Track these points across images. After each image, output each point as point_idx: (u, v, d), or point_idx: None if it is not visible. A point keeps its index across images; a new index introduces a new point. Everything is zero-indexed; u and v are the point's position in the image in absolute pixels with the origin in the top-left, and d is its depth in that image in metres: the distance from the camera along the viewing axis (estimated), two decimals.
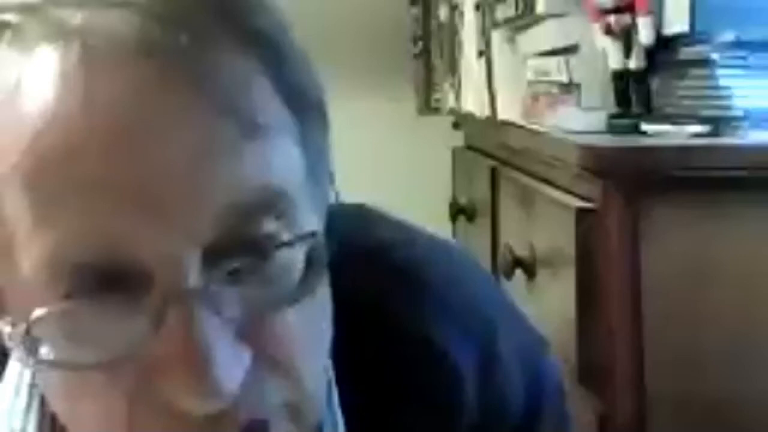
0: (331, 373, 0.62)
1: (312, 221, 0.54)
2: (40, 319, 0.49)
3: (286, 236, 0.51)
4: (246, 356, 0.50)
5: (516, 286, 1.26)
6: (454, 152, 2.03)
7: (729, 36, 1.05)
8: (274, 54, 0.53)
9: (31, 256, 0.49)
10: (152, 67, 0.48)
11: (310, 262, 0.52)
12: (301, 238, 0.52)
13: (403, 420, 0.66)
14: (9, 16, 0.50)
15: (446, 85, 2.03)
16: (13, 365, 0.61)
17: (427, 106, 2.17)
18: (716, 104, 1.06)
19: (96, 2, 0.49)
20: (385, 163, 2.19)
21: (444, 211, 1.88)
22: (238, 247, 0.50)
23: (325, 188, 0.57)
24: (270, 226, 0.50)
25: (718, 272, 0.99)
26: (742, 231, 0.99)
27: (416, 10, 2.17)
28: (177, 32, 0.49)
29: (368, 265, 0.65)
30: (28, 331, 0.49)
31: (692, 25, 1.06)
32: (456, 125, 2.10)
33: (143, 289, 0.49)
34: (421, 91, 2.18)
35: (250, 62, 0.51)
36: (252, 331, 0.50)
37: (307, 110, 0.54)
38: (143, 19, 0.49)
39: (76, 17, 0.49)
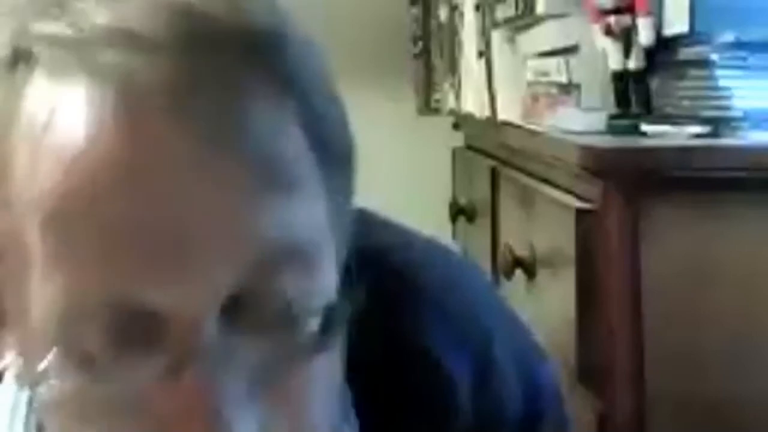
0: (350, 396, 0.62)
1: (331, 272, 0.52)
2: (50, 363, 0.48)
3: (306, 292, 0.50)
4: (259, 414, 0.49)
5: (516, 286, 1.26)
6: (454, 152, 2.03)
7: (729, 36, 1.05)
8: (309, 105, 0.52)
9: (44, 295, 0.48)
10: (183, 116, 0.47)
11: (328, 318, 0.51)
12: (323, 309, 0.51)
13: (396, 425, 0.66)
14: (41, 48, 0.50)
15: (446, 85, 2.03)
16: (8, 385, 0.61)
17: (427, 106, 2.17)
18: (716, 105, 1.06)
19: (127, 42, 0.48)
20: (385, 163, 2.19)
21: (444, 211, 1.88)
22: (259, 300, 0.49)
23: (345, 234, 0.56)
24: (292, 284, 0.50)
25: (718, 272, 0.99)
26: (742, 231, 0.99)
27: (416, 10, 2.17)
28: (210, 81, 0.48)
29: (365, 268, 0.65)
30: (40, 376, 0.49)
31: (692, 25, 1.06)
32: (456, 125, 2.10)
33: (160, 338, 0.48)
34: (421, 91, 2.18)
35: (283, 112, 0.50)
36: (267, 386, 0.49)
37: (336, 162, 0.53)
38: (176, 65, 0.48)
39: (110, 56, 0.48)
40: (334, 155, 0.53)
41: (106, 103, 0.47)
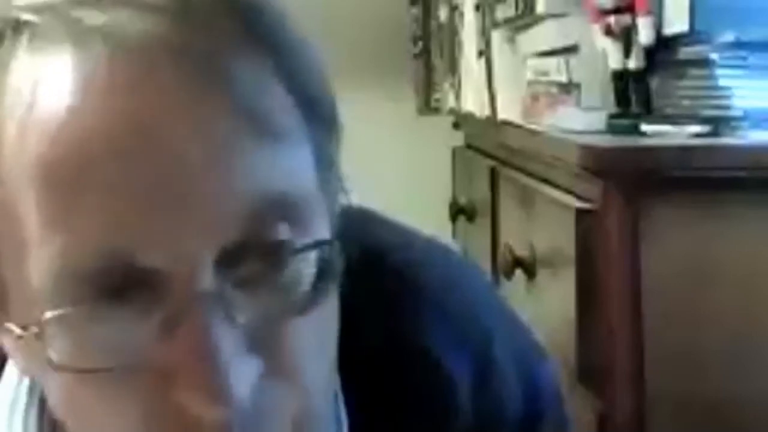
0: (338, 382, 0.62)
1: (323, 229, 0.53)
2: (50, 322, 0.49)
3: (299, 243, 0.51)
4: (257, 363, 0.49)
5: (516, 286, 1.26)
6: (454, 152, 2.03)
7: (729, 36, 1.05)
8: (291, 64, 0.52)
9: (42, 259, 0.49)
10: (174, 70, 0.48)
11: (321, 270, 0.52)
12: (315, 245, 0.52)
13: (396, 425, 0.66)
14: (28, 16, 0.50)
15: (446, 85, 2.03)
16: (11, 370, 0.61)
17: (427, 106, 2.17)
18: (716, 104, 1.06)
19: (117, 4, 0.49)
20: (385, 163, 2.19)
21: (444, 211, 1.88)
22: (253, 252, 0.50)
23: (335, 198, 0.57)
24: (284, 232, 0.50)
25: (718, 272, 0.99)
26: (742, 231, 0.99)
27: (416, 10, 2.17)
28: (200, 36, 0.49)
29: (365, 268, 0.65)
30: (39, 335, 0.49)
31: (692, 25, 1.06)
32: (456, 125, 2.10)
33: (156, 293, 0.48)
34: (421, 91, 2.18)
35: (267, 69, 0.51)
36: (262, 339, 0.50)
37: (320, 121, 0.54)
38: (166, 21, 0.49)
39: (97, 18, 0.49)
40: (318, 114, 0.54)
41: (92, 60, 0.48)
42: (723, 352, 0.98)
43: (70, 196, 0.48)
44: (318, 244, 0.52)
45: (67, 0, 0.50)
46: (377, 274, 0.66)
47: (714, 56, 1.05)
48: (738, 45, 1.05)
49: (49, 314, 0.49)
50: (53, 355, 0.49)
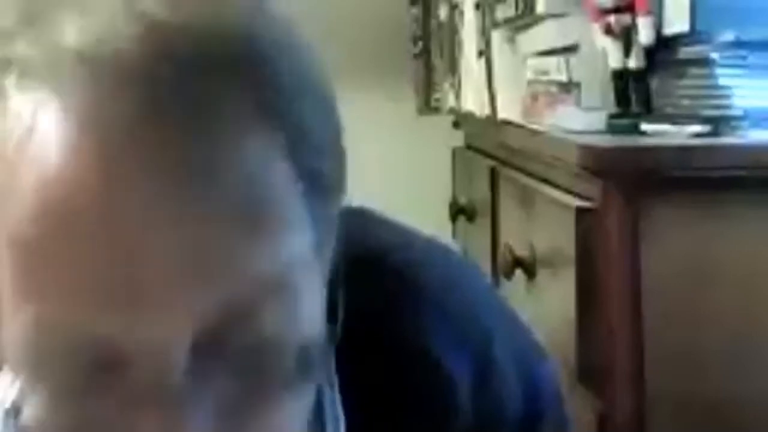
0: (336, 382, 0.62)
1: (313, 309, 0.51)
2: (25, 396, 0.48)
3: (282, 331, 0.49)
4: None
5: (516, 286, 1.26)
6: (454, 152, 2.03)
7: (729, 36, 1.05)
8: (299, 134, 0.49)
9: (15, 321, 0.48)
10: (149, 156, 0.45)
11: (301, 360, 0.50)
12: (297, 348, 0.50)
13: (396, 425, 0.65)
14: (12, 68, 0.48)
15: (446, 85, 2.03)
16: None
17: (427, 105, 2.17)
18: (716, 104, 1.06)
19: (97, 67, 0.46)
20: (385, 163, 2.19)
21: (444, 211, 1.88)
22: (228, 341, 0.48)
23: (329, 261, 0.54)
24: (265, 320, 0.48)
25: (718, 272, 0.99)
26: (742, 231, 0.99)
27: (416, 10, 2.17)
28: (186, 112, 0.46)
29: (365, 268, 0.65)
30: (15, 409, 0.49)
31: (692, 24, 1.06)
32: (456, 125, 2.10)
33: (124, 373, 0.47)
34: (421, 91, 2.18)
35: (271, 143, 0.48)
36: (234, 424, 0.49)
37: (323, 191, 0.52)
38: (144, 97, 0.46)
39: (78, 82, 0.46)
40: (323, 186, 0.52)
41: (73, 136, 0.46)
42: (723, 352, 0.98)
43: (42, 269, 0.47)
44: (304, 348, 0.50)
45: (49, 58, 0.47)
46: (377, 274, 0.66)
47: (714, 56, 1.05)
48: (738, 45, 1.05)
49: (14, 395, 0.49)
50: (26, 416, 0.49)
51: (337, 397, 0.62)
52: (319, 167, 0.51)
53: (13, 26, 0.49)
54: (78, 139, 0.46)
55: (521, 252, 1.24)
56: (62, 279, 0.46)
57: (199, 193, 0.46)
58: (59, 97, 0.46)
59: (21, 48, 0.48)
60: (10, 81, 0.48)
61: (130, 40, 0.46)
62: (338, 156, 0.54)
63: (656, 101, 1.15)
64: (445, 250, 0.74)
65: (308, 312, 0.51)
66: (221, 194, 0.46)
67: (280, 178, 0.49)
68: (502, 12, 1.53)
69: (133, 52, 0.46)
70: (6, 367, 0.60)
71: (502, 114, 1.56)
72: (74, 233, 0.46)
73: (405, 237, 0.71)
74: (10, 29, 0.49)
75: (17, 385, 0.55)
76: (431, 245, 0.72)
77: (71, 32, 0.47)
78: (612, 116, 1.18)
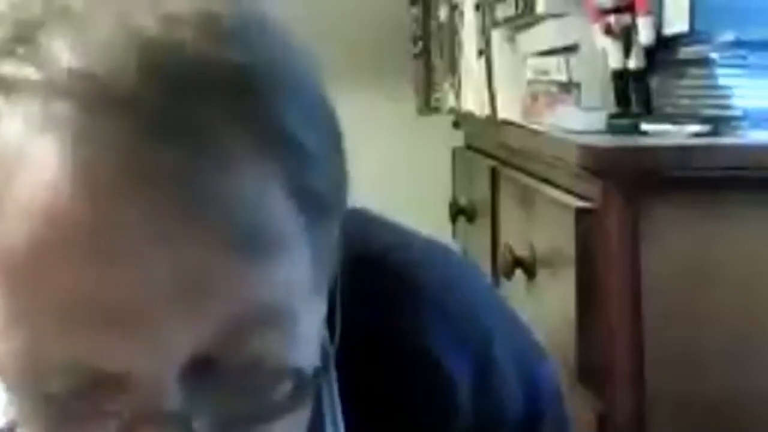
0: (335, 385, 0.62)
1: (310, 333, 0.51)
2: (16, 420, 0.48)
3: (277, 356, 0.49)
4: None
5: (516, 286, 1.26)
6: (454, 152, 2.03)
7: (729, 36, 1.05)
8: (296, 156, 0.49)
9: (6, 346, 0.48)
10: (141, 187, 0.45)
11: (298, 385, 0.50)
12: (291, 372, 0.49)
13: (396, 425, 0.65)
14: (6, 96, 0.47)
15: (446, 85, 2.03)
16: None
17: (427, 105, 2.17)
18: (716, 104, 1.06)
19: (90, 93, 0.45)
20: (385, 163, 2.19)
21: (444, 211, 1.88)
22: (223, 366, 0.48)
23: (330, 278, 0.54)
24: (262, 345, 0.48)
25: (718, 272, 0.99)
26: (742, 231, 0.99)
27: (416, 10, 2.17)
28: (178, 146, 0.45)
29: (365, 268, 0.64)
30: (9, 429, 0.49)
31: (692, 25, 1.06)
32: (456, 125, 2.10)
33: (116, 399, 0.47)
34: (421, 91, 2.18)
35: (268, 167, 0.47)
36: None
37: (322, 214, 0.51)
38: (138, 125, 0.45)
39: (70, 110, 0.45)
40: (321, 208, 0.51)
41: (66, 164, 0.45)
42: (723, 352, 0.98)
43: (33, 292, 0.46)
44: (295, 372, 0.50)
45: (50, 87, 0.46)
46: (377, 274, 0.66)
47: (714, 56, 1.05)
48: (738, 45, 1.05)
49: (11, 413, 0.48)
50: None
51: (337, 399, 0.62)
52: (317, 189, 0.50)
53: (5, 44, 0.48)
54: (70, 161, 0.45)
55: (521, 252, 1.24)
56: (51, 307, 0.46)
57: (196, 216, 0.45)
58: (50, 117, 0.46)
59: (11, 67, 0.47)
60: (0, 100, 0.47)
61: (124, 59, 0.46)
62: (337, 173, 0.53)
63: (656, 101, 1.15)
64: (444, 250, 0.74)
65: (305, 334, 0.50)
66: (217, 218, 0.46)
67: (277, 202, 0.48)
68: (502, 12, 1.53)
69: (127, 71, 0.45)
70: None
71: (502, 114, 1.56)
72: (66, 256, 0.45)
73: (404, 237, 0.71)
74: (1, 47, 0.48)
75: (12, 404, 0.55)
76: (431, 245, 0.72)
77: (64, 50, 0.46)
78: (612, 116, 1.18)
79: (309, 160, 0.50)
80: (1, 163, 0.47)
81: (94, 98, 0.45)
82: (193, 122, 0.46)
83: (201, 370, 0.47)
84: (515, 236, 1.33)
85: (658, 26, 1.12)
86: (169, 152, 0.45)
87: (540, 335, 0.77)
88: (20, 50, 0.47)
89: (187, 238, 0.45)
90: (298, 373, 0.50)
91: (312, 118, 0.51)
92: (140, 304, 0.46)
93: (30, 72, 0.47)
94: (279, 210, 0.48)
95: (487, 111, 1.63)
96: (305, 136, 0.50)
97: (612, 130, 1.16)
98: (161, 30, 0.47)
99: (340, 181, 0.53)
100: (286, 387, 0.50)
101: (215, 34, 0.47)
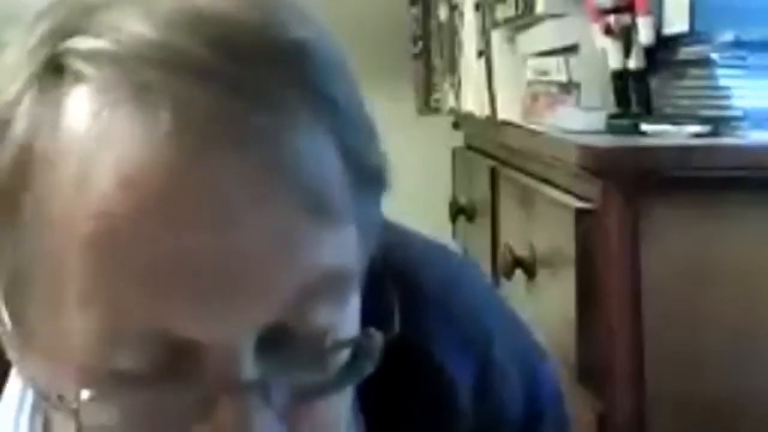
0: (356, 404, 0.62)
1: (356, 304, 0.52)
2: (87, 401, 0.47)
3: (338, 327, 0.50)
4: None
5: (516, 286, 1.26)
6: (454, 152, 2.03)
7: (729, 36, 1.05)
8: (345, 124, 0.50)
9: (79, 326, 0.47)
10: (240, 149, 0.46)
11: (357, 352, 0.51)
12: (351, 341, 0.51)
13: (397, 428, 0.65)
14: (79, 62, 0.47)
15: (446, 85, 2.03)
16: (13, 383, 0.61)
17: (427, 106, 2.17)
18: (716, 104, 1.06)
19: (173, 60, 0.46)
20: None
21: (444, 211, 1.88)
22: (294, 335, 0.49)
23: (367, 259, 0.55)
24: (326, 315, 0.49)
25: (718, 272, 0.99)
26: (742, 231, 0.99)
27: (416, 10, 2.17)
28: (260, 108, 0.47)
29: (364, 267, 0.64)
30: (75, 411, 0.48)
31: (692, 25, 1.07)
32: (456, 125, 2.10)
33: (195, 369, 0.47)
34: (421, 91, 2.18)
35: (323, 136, 0.49)
36: (294, 415, 0.49)
37: (368, 183, 0.52)
38: (228, 91, 0.46)
39: (157, 75, 0.46)
40: (367, 176, 0.52)
41: (160, 128, 0.46)
42: (723, 352, 0.98)
43: (115, 267, 0.46)
44: (351, 342, 0.51)
45: (131, 57, 0.47)
46: (377, 273, 0.66)
47: (714, 56, 1.05)
48: (738, 45, 1.05)
49: (86, 394, 0.47)
50: (89, 419, 0.48)
51: (359, 419, 0.63)
52: (367, 162, 0.52)
53: (70, 23, 0.48)
54: (160, 134, 0.46)
55: (521, 252, 1.24)
56: (136, 271, 0.46)
57: (282, 179, 0.47)
58: (137, 85, 0.46)
59: (85, 42, 0.48)
60: (72, 77, 0.48)
61: (193, 31, 0.47)
62: (380, 154, 0.54)
63: (656, 101, 1.15)
64: (444, 251, 0.74)
65: (354, 307, 0.52)
66: (298, 181, 0.47)
67: (335, 173, 0.49)
68: (502, 12, 1.53)
69: (198, 42, 0.47)
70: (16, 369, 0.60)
71: (502, 114, 1.56)
72: (151, 226, 0.46)
73: (404, 237, 0.71)
74: (68, 24, 0.49)
75: (43, 380, 0.54)
76: (431, 245, 0.72)
77: (137, 24, 0.47)
78: (612, 116, 1.18)
79: (359, 134, 0.51)
80: (82, 125, 0.47)
81: (178, 66, 0.46)
82: (265, 89, 0.47)
83: (277, 339, 0.48)
84: (515, 236, 1.33)
85: (658, 26, 1.12)
86: (253, 116, 0.46)
87: (540, 335, 0.78)
88: (91, 27, 0.48)
89: (277, 201, 0.47)
90: (355, 343, 0.51)
91: (357, 95, 0.53)
92: (226, 270, 0.46)
93: (107, 44, 0.47)
94: (336, 180, 0.49)
95: (487, 111, 1.63)
96: (353, 111, 0.52)
97: (612, 130, 1.16)
98: (219, 5, 0.48)
99: (382, 162, 0.54)
100: (345, 356, 0.51)
101: (268, 10, 0.49)
